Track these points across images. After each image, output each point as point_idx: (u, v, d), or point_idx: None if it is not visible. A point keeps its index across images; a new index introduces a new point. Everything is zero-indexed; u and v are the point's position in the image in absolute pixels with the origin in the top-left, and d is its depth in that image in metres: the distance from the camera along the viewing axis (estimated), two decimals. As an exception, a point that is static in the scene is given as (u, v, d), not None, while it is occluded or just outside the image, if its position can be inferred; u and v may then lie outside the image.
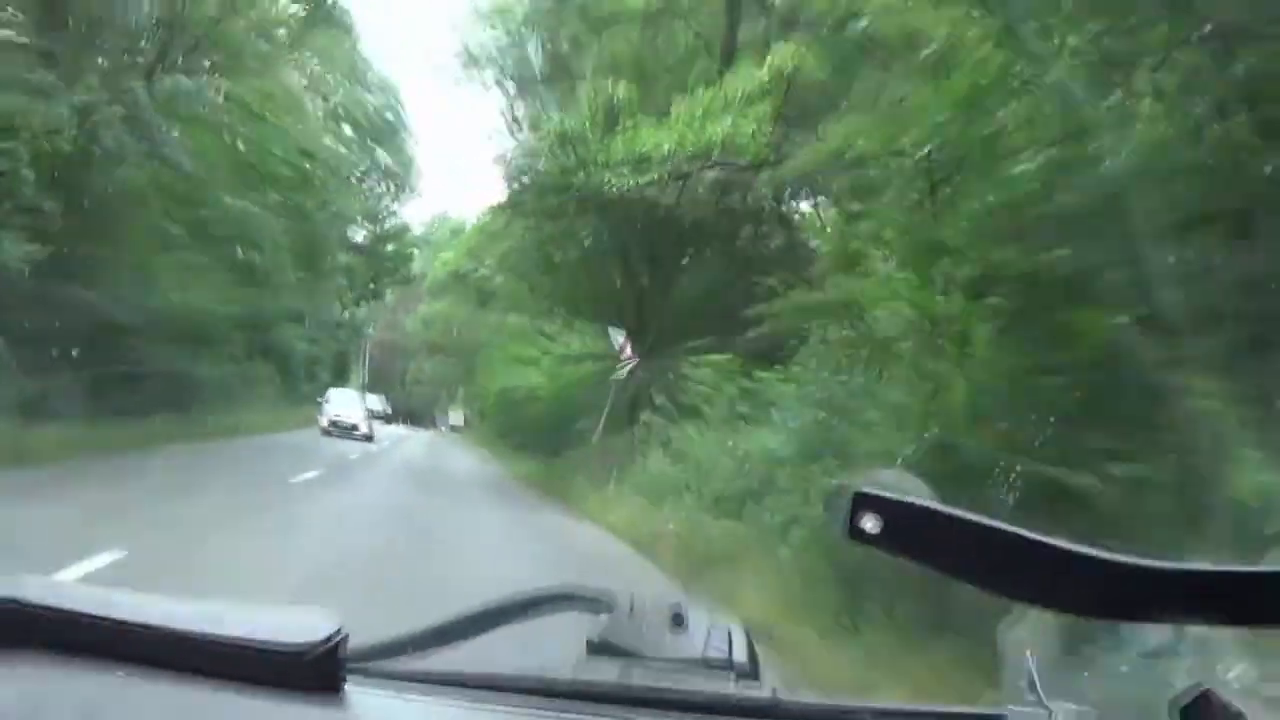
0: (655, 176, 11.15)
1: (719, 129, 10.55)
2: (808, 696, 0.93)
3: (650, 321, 12.88)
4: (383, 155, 25.60)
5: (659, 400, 10.61)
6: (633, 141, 11.16)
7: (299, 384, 22.86)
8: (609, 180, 11.36)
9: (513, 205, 14.54)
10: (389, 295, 32.02)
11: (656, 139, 10.96)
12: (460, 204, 52.05)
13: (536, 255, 14.72)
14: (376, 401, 24.85)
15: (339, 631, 0.68)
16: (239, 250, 14.78)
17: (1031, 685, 0.77)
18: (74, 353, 9.73)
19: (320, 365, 26.47)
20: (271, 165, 15.93)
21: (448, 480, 13.60)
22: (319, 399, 20.49)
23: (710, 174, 11.50)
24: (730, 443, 7.59)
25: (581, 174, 11.83)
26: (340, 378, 27.21)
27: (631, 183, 11.16)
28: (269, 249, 15.92)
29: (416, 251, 30.89)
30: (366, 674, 0.76)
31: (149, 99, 11.49)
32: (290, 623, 0.73)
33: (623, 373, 11.75)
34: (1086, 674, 0.83)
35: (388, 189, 27.10)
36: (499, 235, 16.93)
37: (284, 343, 21.33)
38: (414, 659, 0.79)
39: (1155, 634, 0.77)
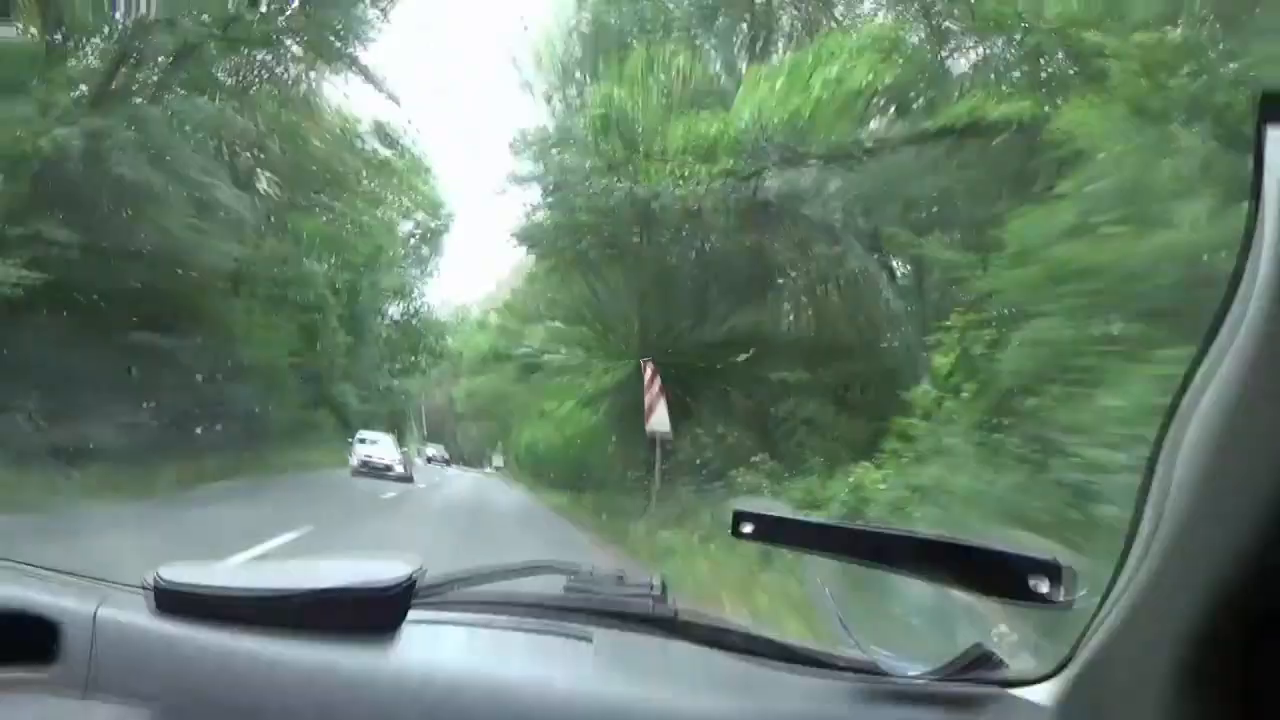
0: (729, 165, 8.77)
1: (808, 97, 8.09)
2: (699, 615, 1.14)
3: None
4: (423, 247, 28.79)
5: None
6: (696, 127, 8.64)
7: (355, 432, 26.20)
8: (669, 174, 8.90)
9: (530, 238, 12.92)
10: (431, 370, 37.06)
11: (726, 121, 8.56)
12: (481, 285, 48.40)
13: (570, 302, 14.64)
14: (435, 450, 31.15)
15: (411, 575, 0.98)
16: (303, 312, 17.02)
17: (842, 624, 1.00)
18: (171, 399, 12.43)
19: (376, 420, 29.79)
20: (343, 239, 18.46)
21: (490, 491, 17.40)
22: (348, 439, 21.50)
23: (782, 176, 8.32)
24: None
25: (628, 170, 9.33)
26: (395, 430, 31.73)
27: (701, 176, 8.73)
28: (327, 312, 18.52)
29: (448, 338, 34.75)
30: (434, 603, 1.06)
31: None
32: (374, 567, 1.03)
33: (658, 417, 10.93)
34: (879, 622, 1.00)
35: (419, 269, 30.21)
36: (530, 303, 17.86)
37: (339, 395, 23.78)
38: (470, 588, 1.14)
39: (932, 596, 0.98)
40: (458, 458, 44.00)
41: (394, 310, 31.16)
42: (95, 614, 1.04)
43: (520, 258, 20.57)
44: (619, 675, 1.08)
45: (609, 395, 13.82)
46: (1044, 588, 0.91)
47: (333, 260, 19.39)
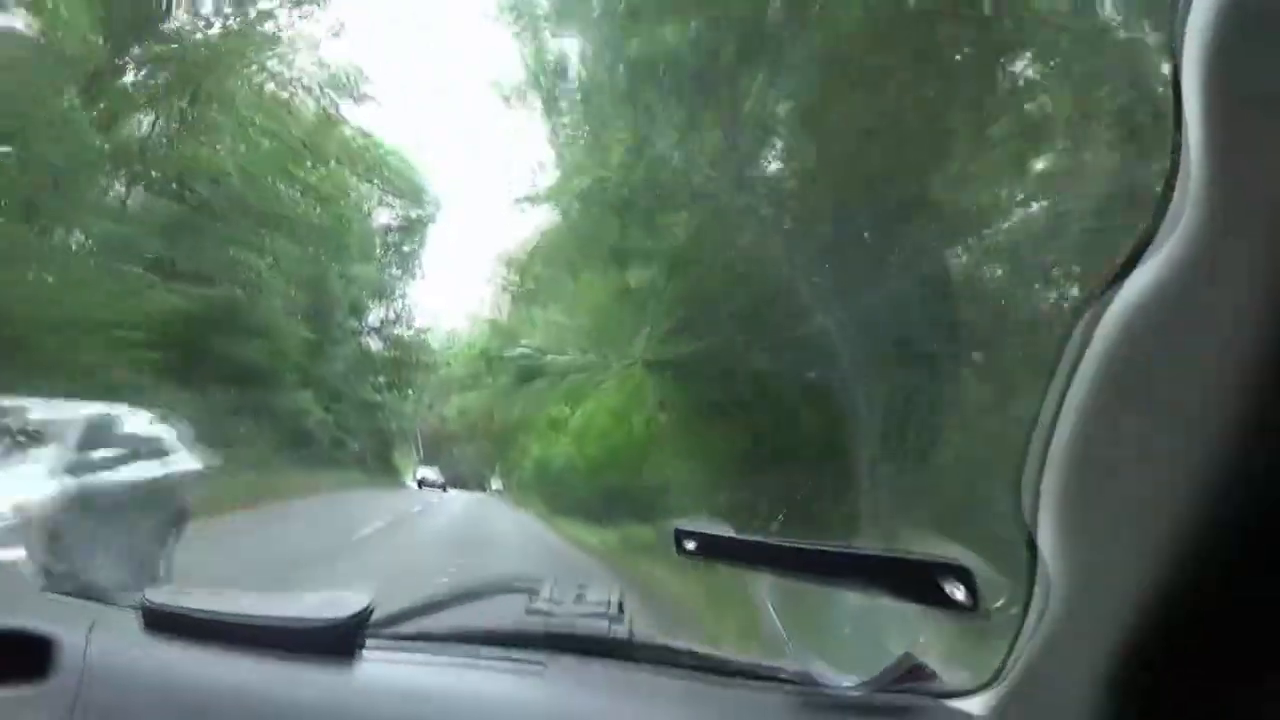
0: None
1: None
2: (652, 636, 1.21)
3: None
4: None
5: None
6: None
7: (313, 450, 21.56)
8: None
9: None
10: (422, 386, 36.51)
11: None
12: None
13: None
14: (430, 472, 34.13)
15: (365, 608, 1.08)
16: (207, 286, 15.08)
17: (782, 637, 1.07)
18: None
19: (351, 438, 26.59)
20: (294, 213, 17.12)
21: (491, 519, 19.46)
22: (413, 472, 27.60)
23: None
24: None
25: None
26: (382, 456, 29.86)
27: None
28: (265, 293, 17.31)
29: (433, 346, 32.77)
30: (388, 636, 1.13)
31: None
32: (326, 602, 1.11)
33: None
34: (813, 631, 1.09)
35: (400, 267, 28.42)
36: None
37: (288, 404, 20.47)
38: (425, 619, 1.17)
39: (870, 610, 1.06)
40: (455, 480, 43.20)
41: (374, 316, 29.31)
42: (88, 634, 1.13)
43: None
44: (571, 704, 1.15)
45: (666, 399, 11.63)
46: (959, 594, 0.94)
47: (270, 232, 17.37)
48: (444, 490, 30.75)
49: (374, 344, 29.84)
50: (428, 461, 41.85)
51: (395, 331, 30.13)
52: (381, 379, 30.15)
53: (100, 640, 1.12)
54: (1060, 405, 0.76)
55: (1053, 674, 0.90)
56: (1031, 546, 0.84)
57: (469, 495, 35.90)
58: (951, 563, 0.94)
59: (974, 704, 1.04)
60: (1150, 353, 0.70)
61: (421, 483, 31.32)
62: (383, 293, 28.63)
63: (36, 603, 1.28)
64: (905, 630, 1.18)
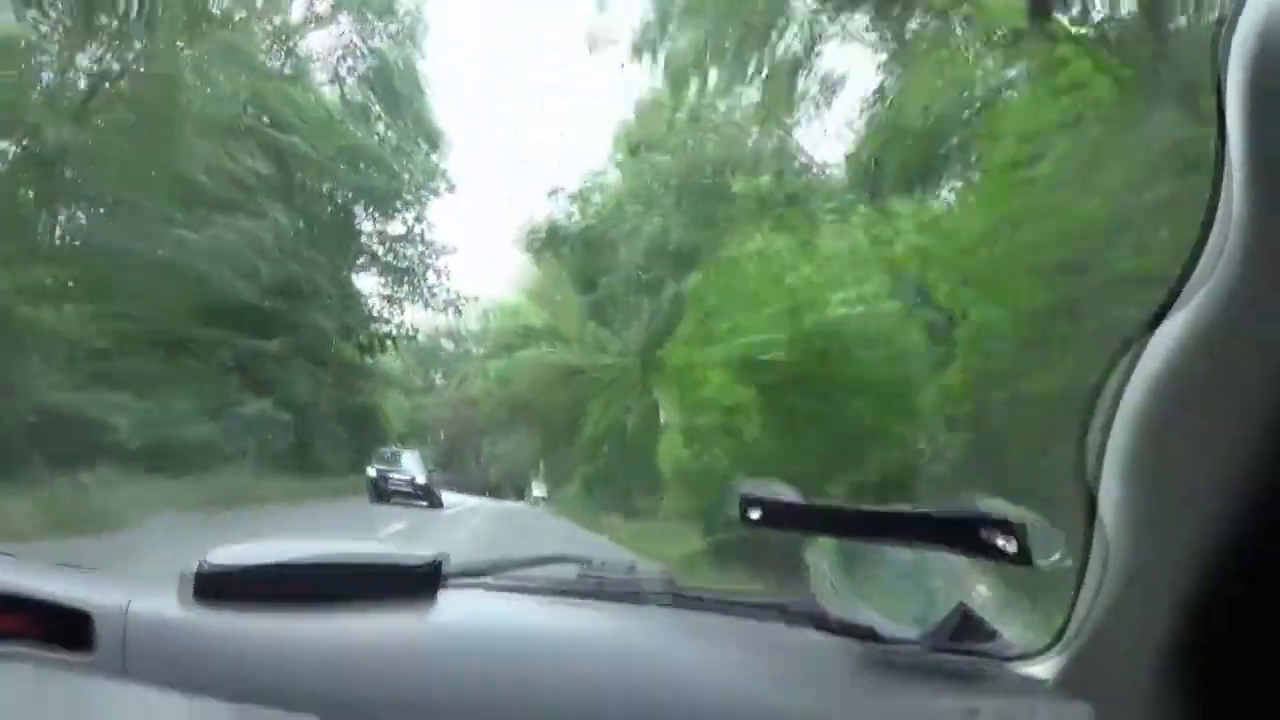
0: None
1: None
2: (707, 592, 1.36)
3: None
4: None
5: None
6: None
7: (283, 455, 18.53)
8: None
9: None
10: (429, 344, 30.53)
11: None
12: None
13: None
14: (407, 467, 22.06)
15: (440, 555, 1.20)
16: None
17: (843, 594, 1.21)
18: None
19: (322, 421, 21.91)
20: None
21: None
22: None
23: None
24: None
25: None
26: (358, 444, 24.17)
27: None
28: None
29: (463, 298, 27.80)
30: (458, 585, 1.27)
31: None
32: (405, 553, 1.24)
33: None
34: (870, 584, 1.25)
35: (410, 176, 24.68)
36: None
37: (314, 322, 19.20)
38: (487, 577, 1.34)
39: (915, 560, 1.14)
40: (480, 485, 37.56)
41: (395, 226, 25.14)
42: (128, 606, 1.19)
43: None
44: (631, 634, 1.24)
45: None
46: (1010, 546, 1.00)
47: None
48: (429, 502, 21.26)
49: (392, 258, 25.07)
50: (448, 463, 34.93)
51: (405, 253, 26.00)
52: (371, 328, 25.23)
53: (144, 611, 1.18)
54: (1130, 370, 0.83)
55: (1121, 637, 0.93)
56: (1091, 507, 0.90)
57: (496, 505, 29.36)
58: (999, 517, 1.00)
59: (1040, 668, 1.08)
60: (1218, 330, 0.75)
61: (380, 487, 20.78)
62: (404, 196, 25.23)
63: (71, 576, 1.34)
64: (961, 590, 1.22)
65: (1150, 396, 0.82)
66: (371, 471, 21.32)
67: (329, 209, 22.90)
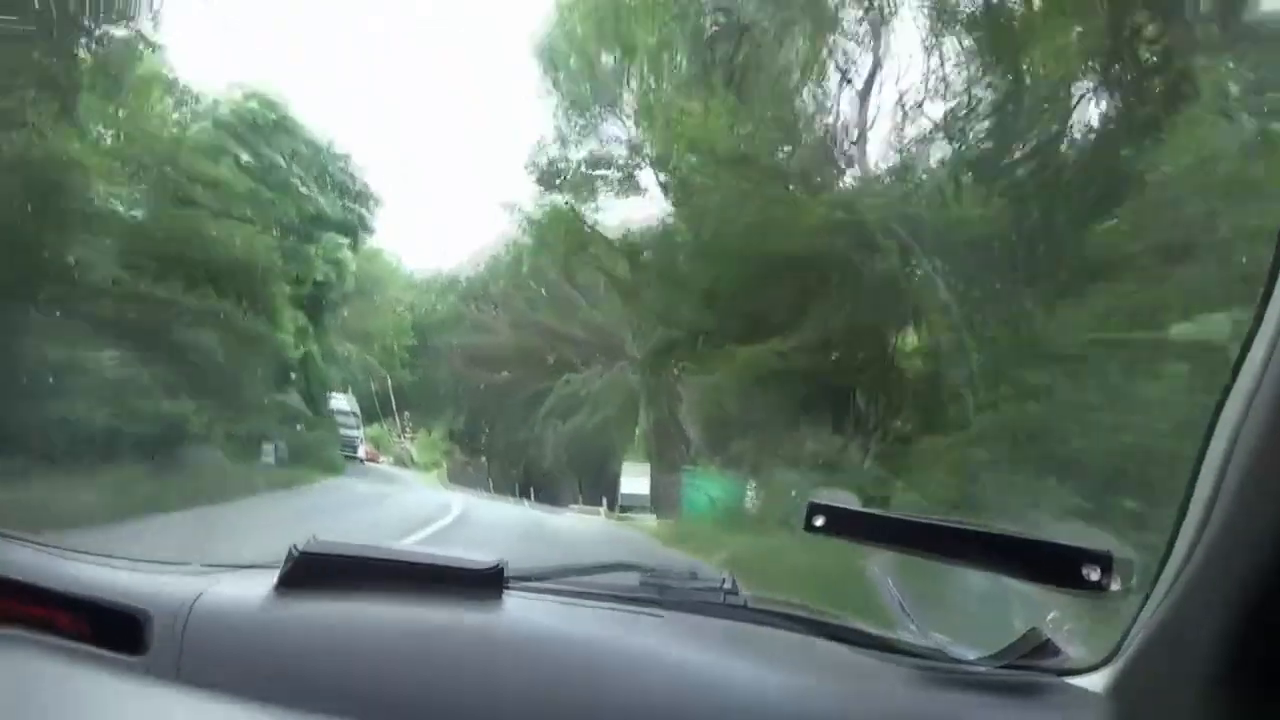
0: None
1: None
2: (768, 603, 1.46)
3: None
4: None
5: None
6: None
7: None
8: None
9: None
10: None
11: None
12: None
13: None
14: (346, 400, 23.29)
15: (501, 560, 1.44)
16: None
17: (904, 611, 1.31)
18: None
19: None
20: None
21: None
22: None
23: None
24: None
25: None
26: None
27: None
28: None
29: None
30: (522, 587, 1.47)
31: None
32: (468, 555, 1.48)
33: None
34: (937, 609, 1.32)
35: None
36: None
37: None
38: (550, 581, 1.53)
39: (990, 583, 1.25)
40: (519, 485, 25.79)
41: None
42: (192, 604, 1.27)
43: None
44: (692, 646, 1.33)
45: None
46: (1095, 575, 1.05)
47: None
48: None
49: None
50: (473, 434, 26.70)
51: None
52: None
53: (208, 608, 1.28)
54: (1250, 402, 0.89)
55: (1175, 649, 0.97)
56: (1176, 526, 0.96)
57: (505, 514, 20.39)
58: (1093, 549, 1.06)
59: (1094, 680, 1.14)
60: None
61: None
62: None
63: (128, 573, 1.41)
64: (1027, 607, 1.30)
65: (1242, 419, 0.88)
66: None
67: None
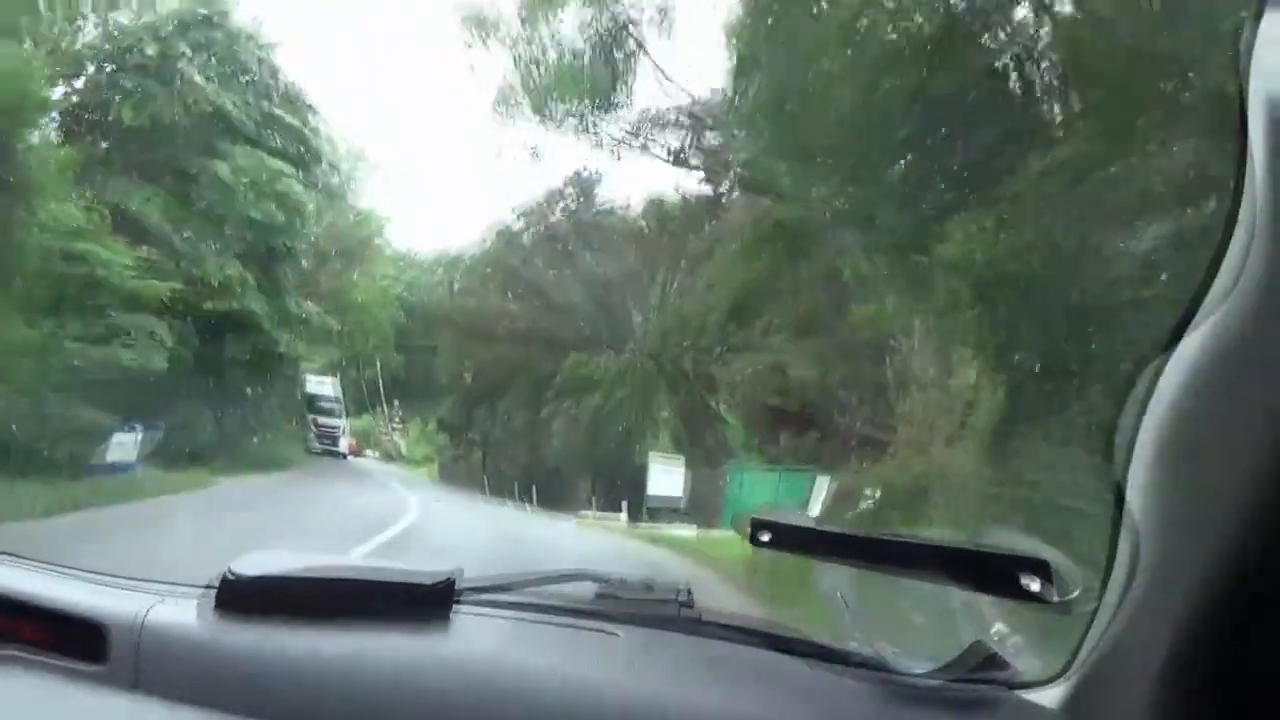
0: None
1: None
2: (723, 616, 1.50)
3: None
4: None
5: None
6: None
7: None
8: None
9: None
10: None
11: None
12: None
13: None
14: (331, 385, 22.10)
15: (455, 570, 1.42)
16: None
17: (853, 622, 1.33)
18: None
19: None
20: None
21: None
22: None
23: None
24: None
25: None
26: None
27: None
28: None
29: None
30: (473, 601, 1.45)
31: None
32: (418, 569, 1.45)
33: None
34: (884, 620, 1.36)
35: None
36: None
37: None
38: (502, 594, 1.52)
39: (937, 594, 1.25)
40: (519, 484, 20.61)
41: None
42: (145, 616, 1.29)
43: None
44: (644, 666, 1.36)
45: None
46: (1035, 585, 1.09)
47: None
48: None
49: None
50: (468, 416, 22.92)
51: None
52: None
53: (161, 621, 1.30)
54: (1150, 390, 0.94)
55: (1125, 666, 1.01)
56: (1114, 536, 1.00)
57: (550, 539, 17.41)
58: (1031, 557, 1.11)
59: (1046, 696, 1.17)
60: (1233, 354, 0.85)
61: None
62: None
63: (86, 584, 1.44)
64: (975, 619, 1.28)
65: (1171, 423, 0.91)
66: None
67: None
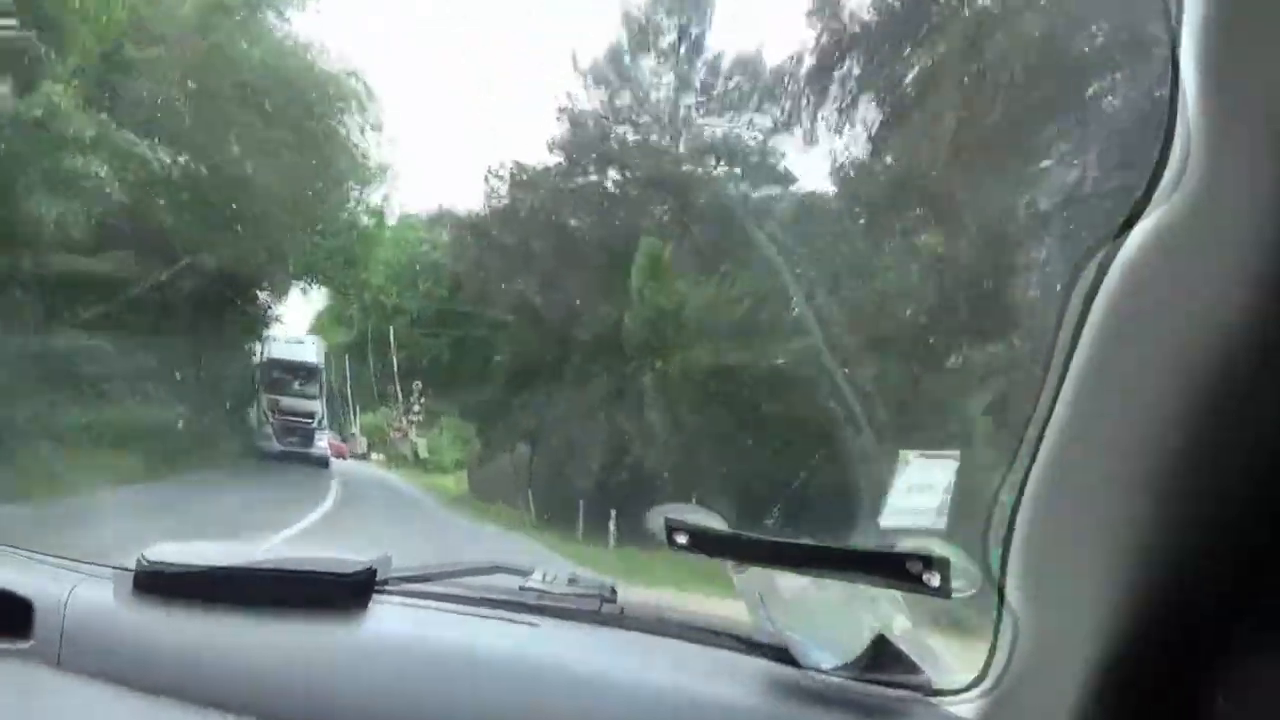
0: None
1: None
2: (645, 610, 1.70)
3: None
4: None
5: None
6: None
7: None
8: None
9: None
10: None
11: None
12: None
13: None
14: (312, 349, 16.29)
15: (378, 559, 1.60)
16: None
17: (770, 619, 1.44)
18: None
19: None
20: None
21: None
22: None
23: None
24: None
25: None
26: None
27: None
28: None
29: None
30: (393, 593, 1.61)
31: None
32: (340, 557, 1.64)
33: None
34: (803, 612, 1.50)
35: None
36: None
37: None
38: (424, 584, 1.70)
39: (844, 590, 1.35)
40: (585, 504, 13.87)
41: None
42: (68, 597, 1.44)
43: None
44: (562, 656, 1.51)
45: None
46: (917, 569, 1.20)
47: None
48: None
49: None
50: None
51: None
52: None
53: (83, 602, 1.42)
54: (1048, 411, 0.95)
55: (1043, 678, 1.05)
56: (1008, 533, 1.07)
57: None
58: (924, 553, 1.21)
59: (964, 706, 1.25)
60: (1133, 334, 0.85)
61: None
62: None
63: (16, 561, 1.56)
64: (878, 616, 1.35)
65: (1057, 435, 0.93)
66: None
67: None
